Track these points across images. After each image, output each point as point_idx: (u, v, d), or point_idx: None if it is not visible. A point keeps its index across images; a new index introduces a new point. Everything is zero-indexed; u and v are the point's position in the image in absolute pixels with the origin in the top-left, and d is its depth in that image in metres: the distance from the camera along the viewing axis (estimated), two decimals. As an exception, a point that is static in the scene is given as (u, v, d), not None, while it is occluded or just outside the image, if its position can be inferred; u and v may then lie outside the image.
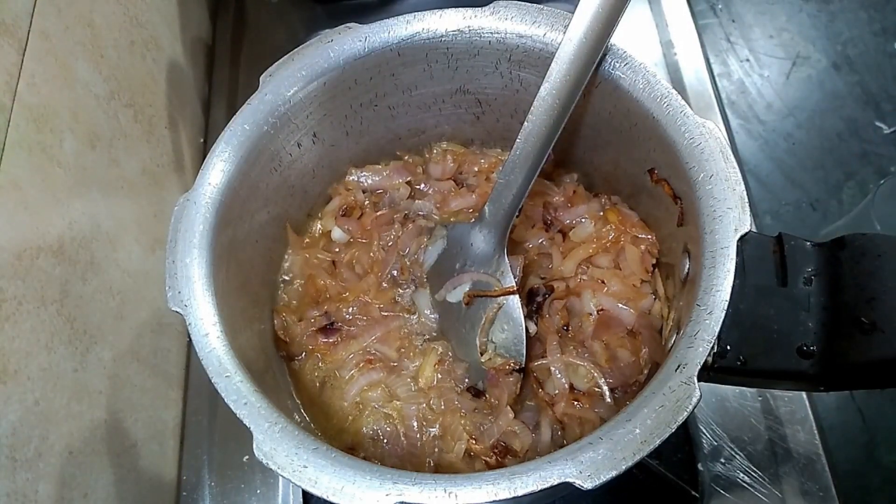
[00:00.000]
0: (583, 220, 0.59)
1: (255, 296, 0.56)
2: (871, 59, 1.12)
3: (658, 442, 0.38)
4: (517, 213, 0.54)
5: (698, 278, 0.43)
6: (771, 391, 0.70)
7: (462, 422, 0.53)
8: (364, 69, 0.55)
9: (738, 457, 0.68)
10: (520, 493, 0.37)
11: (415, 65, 0.56)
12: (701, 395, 0.39)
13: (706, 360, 0.40)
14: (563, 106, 0.48)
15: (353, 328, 0.58)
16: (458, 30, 0.53)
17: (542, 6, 0.52)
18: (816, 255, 0.43)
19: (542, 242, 0.60)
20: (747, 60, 1.13)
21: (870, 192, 0.89)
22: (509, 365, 0.54)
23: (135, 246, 0.68)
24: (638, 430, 0.38)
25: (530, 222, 0.61)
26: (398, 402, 0.55)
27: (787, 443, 0.68)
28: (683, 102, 0.47)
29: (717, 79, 0.92)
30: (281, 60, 0.54)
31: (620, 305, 0.55)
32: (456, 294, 0.57)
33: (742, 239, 0.43)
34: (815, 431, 0.68)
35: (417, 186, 0.64)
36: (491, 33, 0.53)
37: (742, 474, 0.67)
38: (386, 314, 0.59)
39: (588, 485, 0.37)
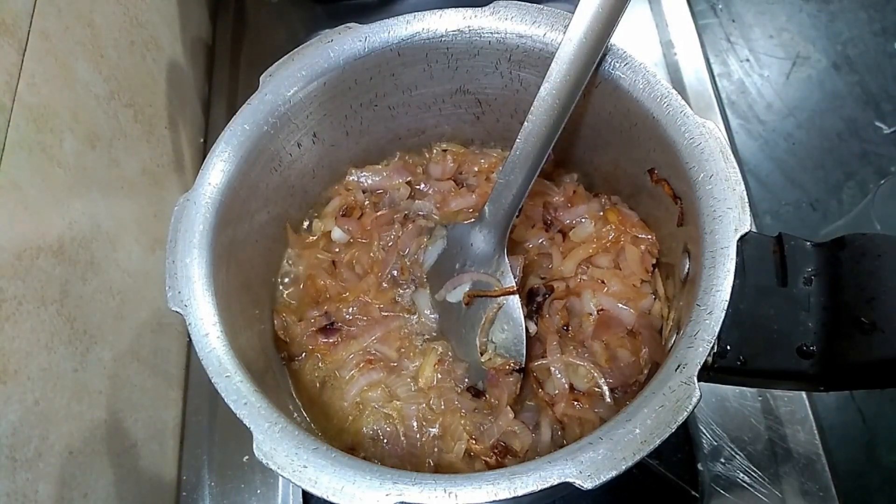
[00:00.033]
0: (583, 220, 0.59)
1: (255, 296, 0.56)
2: (871, 59, 1.12)
3: (658, 442, 0.38)
4: (517, 213, 0.54)
5: (698, 278, 0.43)
6: (771, 391, 0.70)
7: (462, 422, 0.53)
8: (364, 69, 0.55)
9: (738, 457, 0.68)
10: (520, 493, 0.37)
11: (415, 65, 0.56)
12: (701, 395, 0.39)
13: (706, 360, 0.40)
14: (563, 106, 0.48)
15: (353, 328, 0.58)
16: (458, 30, 0.53)
17: (542, 6, 0.52)
18: (816, 255, 0.43)
19: (542, 242, 0.60)
20: (747, 60, 1.13)
21: (870, 192, 0.89)
22: (509, 365, 0.54)
23: (135, 246, 0.68)
24: (638, 430, 0.38)
25: (530, 222, 0.61)
26: (398, 402, 0.55)
27: (787, 443, 0.68)
28: (683, 102, 0.47)
29: (717, 79, 0.92)
30: (281, 60, 0.54)
31: (620, 305, 0.55)
32: (456, 294, 0.57)
33: (742, 239, 0.43)
34: (815, 431, 0.68)
35: (417, 186, 0.64)
36: (491, 33, 0.53)
37: (742, 474, 0.67)
38: (386, 314, 0.59)
39: (588, 485, 0.37)
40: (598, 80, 0.51)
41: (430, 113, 0.62)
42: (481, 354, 0.55)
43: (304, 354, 0.58)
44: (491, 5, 0.53)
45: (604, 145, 0.57)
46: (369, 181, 0.64)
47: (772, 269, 0.43)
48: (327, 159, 0.61)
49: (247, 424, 0.41)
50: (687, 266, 0.49)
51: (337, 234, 0.62)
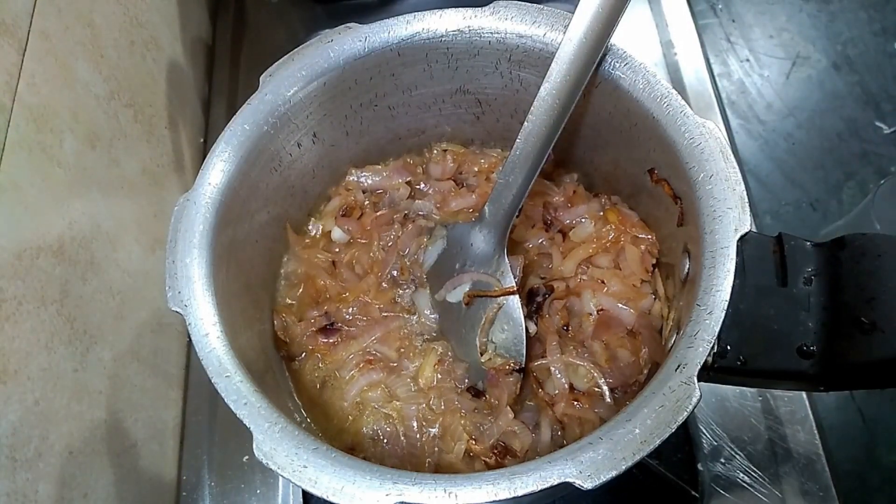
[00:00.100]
0: (583, 220, 0.59)
1: (255, 296, 0.56)
2: (871, 59, 1.12)
3: (658, 442, 0.38)
4: (517, 213, 0.54)
5: (698, 278, 0.43)
6: (771, 391, 0.70)
7: (462, 422, 0.53)
8: (364, 69, 0.55)
9: (738, 457, 0.68)
10: (520, 493, 0.37)
11: (415, 65, 0.56)
12: (701, 395, 0.39)
13: (706, 360, 0.40)
14: (563, 106, 0.48)
15: (353, 328, 0.58)
16: (458, 30, 0.53)
17: (542, 6, 0.52)
18: (816, 255, 0.43)
19: (542, 242, 0.60)
20: (747, 60, 1.13)
21: (870, 192, 0.89)
22: (509, 365, 0.54)
23: (135, 246, 0.68)
24: (638, 430, 0.38)
25: (530, 222, 0.61)
26: (398, 403, 0.55)
27: (787, 443, 0.68)
28: (683, 102, 0.47)
29: (717, 79, 0.92)
30: (281, 60, 0.54)
31: (620, 305, 0.55)
32: (456, 294, 0.57)
33: (742, 239, 0.43)
34: (815, 431, 0.68)
35: (417, 186, 0.64)
36: (491, 33, 0.53)
37: (742, 474, 0.67)
38: (386, 314, 0.59)
39: (588, 485, 0.37)
40: (598, 80, 0.51)
41: (430, 113, 0.62)
42: (481, 354, 0.55)
43: (304, 354, 0.58)
44: (491, 5, 0.53)
45: (604, 145, 0.57)
46: (369, 181, 0.64)
47: (772, 269, 0.43)
48: (327, 159, 0.61)
49: (247, 424, 0.41)
50: (687, 266, 0.49)
51: (337, 234, 0.62)
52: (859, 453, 0.88)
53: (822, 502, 0.65)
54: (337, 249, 0.62)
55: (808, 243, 0.44)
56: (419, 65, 0.56)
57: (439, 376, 0.55)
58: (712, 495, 0.66)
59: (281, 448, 0.40)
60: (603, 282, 0.56)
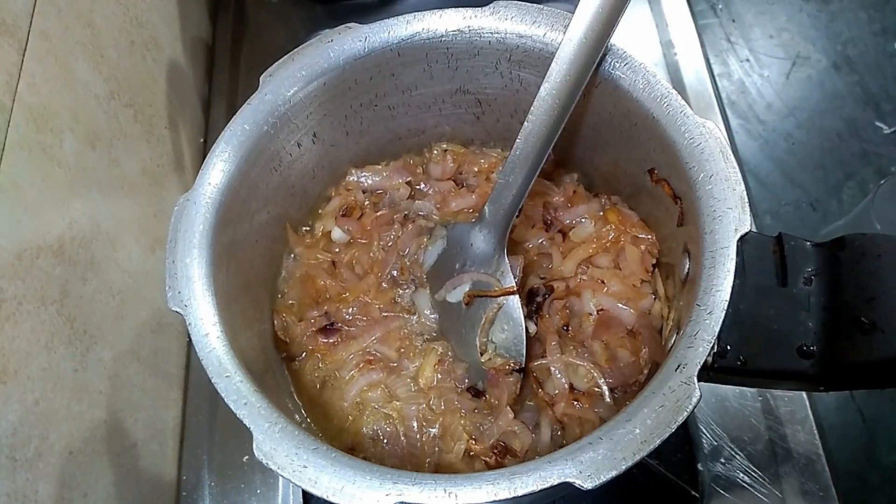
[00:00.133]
0: (583, 220, 0.59)
1: (255, 296, 0.56)
2: (871, 59, 1.12)
3: (658, 442, 0.38)
4: (517, 213, 0.54)
5: (698, 278, 0.43)
6: (771, 391, 0.70)
7: (462, 422, 0.53)
8: (364, 69, 0.55)
9: (738, 457, 0.68)
10: (520, 493, 0.37)
11: (415, 65, 0.56)
12: (701, 395, 0.39)
13: (706, 360, 0.40)
14: (563, 106, 0.48)
15: (352, 328, 0.58)
16: (458, 30, 0.53)
17: (542, 6, 0.52)
18: (816, 255, 0.43)
19: (542, 242, 0.60)
20: (747, 60, 1.13)
21: (870, 192, 0.89)
22: (509, 365, 0.54)
23: (135, 246, 0.68)
24: (638, 430, 0.38)
25: (530, 222, 0.61)
26: (398, 403, 0.55)
27: (787, 443, 0.68)
28: (683, 102, 0.47)
29: (717, 79, 0.92)
30: (281, 60, 0.54)
31: (620, 305, 0.55)
32: (456, 294, 0.57)
33: (742, 239, 0.43)
34: (815, 431, 0.68)
35: (417, 186, 0.64)
36: (491, 33, 0.53)
37: (742, 474, 0.67)
38: (386, 314, 0.59)
39: (588, 485, 0.37)
40: (598, 80, 0.51)
41: (430, 113, 0.62)
42: (481, 354, 0.55)
43: (304, 355, 0.58)
44: (491, 5, 0.53)
45: (604, 145, 0.57)
46: (369, 181, 0.64)
47: (772, 269, 0.43)
48: (327, 159, 0.61)
49: (247, 424, 0.41)
50: (687, 266, 0.49)
51: (337, 234, 0.62)
52: (859, 453, 0.88)
53: (822, 502, 0.65)
54: (337, 249, 0.62)
55: (808, 243, 0.44)
56: (419, 65, 0.56)
57: (439, 376, 0.55)
58: (712, 495, 0.66)
59: (281, 448, 0.40)
60: (603, 282, 0.56)
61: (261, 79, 0.53)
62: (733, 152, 0.46)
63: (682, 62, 0.91)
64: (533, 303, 0.56)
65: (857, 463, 0.88)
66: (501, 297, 0.55)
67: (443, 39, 0.54)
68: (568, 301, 0.57)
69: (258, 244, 0.57)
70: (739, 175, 0.44)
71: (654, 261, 0.56)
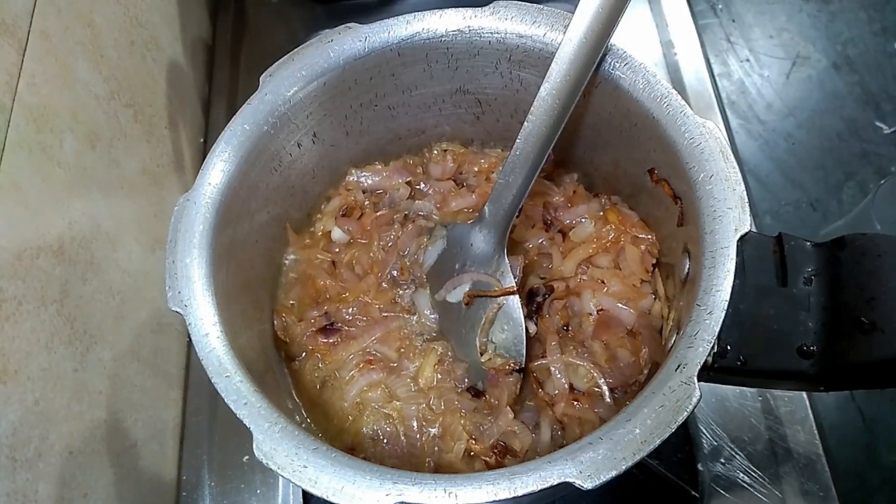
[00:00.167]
0: (583, 220, 0.59)
1: (255, 296, 0.56)
2: (871, 59, 1.12)
3: (658, 442, 0.38)
4: (517, 213, 0.54)
5: (698, 278, 0.43)
6: (771, 391, 0.70)
7: (462, 422, 0.53)
8: (364, 69, 0.55)
9: (738, 457, 0.68)
10: (520, 493, 0.37)
11: (415, 65, 0.56)
12: (701, 395, 0.39)
13: (706, 360, 0.40)
14: (563, 106, 0.48)
15: (352, 328, 0.58)
16: (458, 30, 0.53)
17: (542, 6, 0.52)
18: (816, 255, 0.43)
19: (542, 242, 0.60)
20: (747, 60, 1.13)
21: (870, 192, 0.88)
22: (509, 365, 0.54)
23: (135, 246, 0.68)
24: (638, 430, 0.38)
25: (530, 222, 0.61)
26: (398, 403, 0.55)
27: (787, 443, 0.68)
28: (683, 102, 0.47)
29: (717, 79, 0.92)
30: (281, 60, 0.54)
31: (620, 305, 0.55)
32: (456, 294, 0.57)
33: (742, 239, 0.43)
34: (815, 431, 0.68)
35: (417, 186, 0.64)
36: (491, 33, 0.53)
37: (742, 474, 0.67)
38: (386, 314, 0.59)
39: (588, 485, 0.37)
40: (598, 80, 0.51)
41: (430, 113, 0.62)
42: (481, 354, 0.55)
43: (304, 355, 0.58)
44: (491, 5, 0.53)
45: (604, 145, 0.57)
46: (369, 181, 0.64)
47: (772, 269, 0.44)
48: (327, 159, 0.61)
49: (247, 424, 0.41)
50: (687, 266, 0.49)
51: (337, 234, 0.62)
52: (859, 453, 0.88)
53: (822, 502, 0.65)
54: (337, 249, 0.62)
55: (808, 243, 0.44)
56: (419, 65, 0.56)
57: (439, 376, 0.55)
58: (712, 495, 0.66)
59: (281, 448, 0.40)
60: (603, 282, 0.56)
61: (261, 79, 0.53)
62: (733, 152, 0.46)
63: (682, 62, 0.91)
64: (533, 303, 0.56)
65: (857, 463, 0.88)
66: (501, 297, 0.55)
67: (443, 39, 0.54)
68: (568, 301, 0.57)
69: (258, 244, 0.57)
70: (739, 175, 0.44)
71: (654, 261, 0.56)
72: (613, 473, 0.37)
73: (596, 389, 0.53)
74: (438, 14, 0.53)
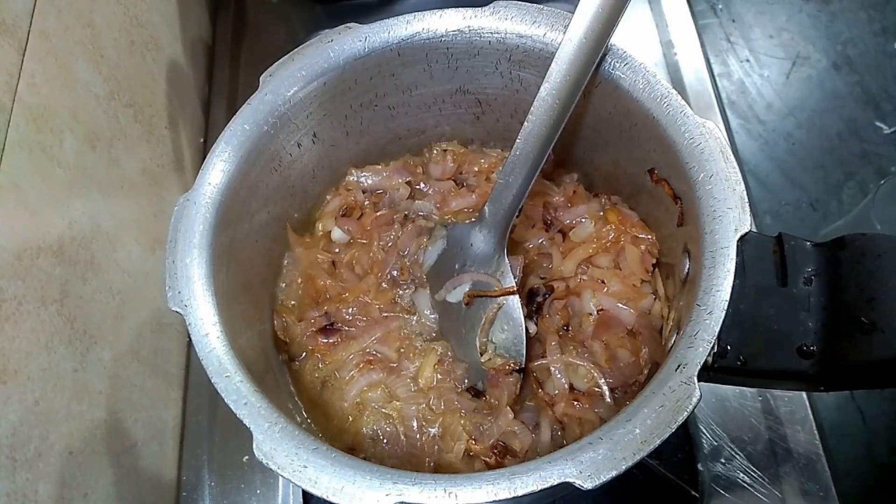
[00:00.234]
0: (583, 220, 0.59)
1: (255, 296, 0.56)
2: (871, 59, 1.12)
3: (658, 442, 0.38)
4: (517, 213, 0.54)
5: (698, 278, 0.43)
6: (771, 391, 0.70)
7: (462, 422, 0.53)
8: (364, 69, 0.55)
9: (738, 457, 0.68)
10: (520, 493, 0.37)
11: (415, 65, 0.56)
12: (701, 395, 0.39)
13: (706, 360, 0.40)
14: (563, 106, 0.48)
15: (352, 329, 0.58)
16: (458, 30, 0.53)
17: (542, 6, 0.52)
18: (816, 255, 0.43)
19: (542, 242, 0.60)
20: (747, 60, 1.13)
21: (870, 192, 0.88)
22: (509, 365, 0.54)
23: (135, 246, 0.68)
24: (638, 430, 0.38)
25: (530, 222, 0.61)
26: (398, 403, 0.55)
27: (787, 443, 0.68)
28: (683, 102, 0.47)
29: (717, 79, 0.92)
30: (281, 60, 0.54)
31: (620, 305, 0.55)
32: (456, 294, 0.57)
33: (742, 239, 0.43)
34: (815, 431, 0.68)
35: (417, 186, 0.64)
36: (491, 33, 0.53)
37: (742, 474, 0.67)
38: (386, 315, 0.59)
39: (588, 485, 0.37)
40: (598, 80, 0.51)
41: (430, 113, 0.62)
42: (481, 354, 0.55)
43: (304, 355, 0.58)
44: (491, 5, 0.53)
45: (604, 145, 0.57)
46: (369, 181, 0.64)
47: (772, 269, 0.44)
48: (327, 159, 0.61)
49: (247, 424, 0.41)
50: (687, 266, 0.49)
51: (337, 234, 0.62)
52: (859, 453, 0.88)
53: (822, 502, 0.65)
54: (337, 249, 0.62)
55: (808, 243, 0.44)
56: (419, 65, 0.56)
57: (439, 376, 0.55)
58: (712, 495, 0.66)
59: (281, 448, 0.40)
60: (603, 282, 0.56)
61: (261, 79, 0.53)
62: (733, 152, 0.46)
63: (682, 62, 0.91)
64: (533, 303, 0.56)
65: (857, 463, 0.88)
66: (501, 297, 0.55)
67: (443, 39, 0.54)
68: (568, 301, 0.57)
69: (258, 244, 0.57)
70: (739, 175, 0.44)
71: (654, 261, 0.56)
72: (613, 473, 0.37)
73: (596, 389, 0.53)
74: (438, 14, 0.53)
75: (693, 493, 0.66)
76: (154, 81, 0.79)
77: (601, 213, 0.60)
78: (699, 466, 0.67)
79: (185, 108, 0.86)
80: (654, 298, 0.55)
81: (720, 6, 1.18)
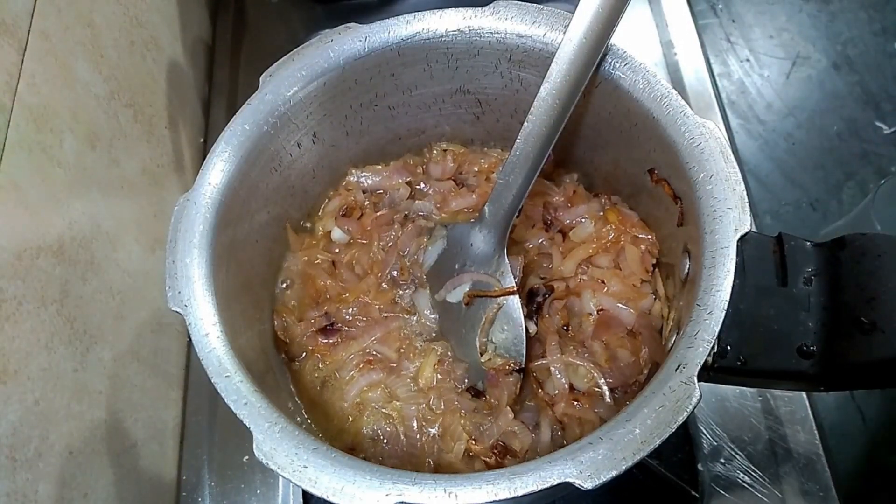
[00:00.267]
0: (583, 220, 0.59)
1: (255, 296, 0.56)
2: (871, 59, 1.12)
3: (658, 442, 0.38)
4: (517, 213, 0.54)
5: (698, 278, 0.43)
6: (771, 391, 0.70)
7: (462, 422, 0.53)
8: (364, 69, 0.55)
9: (738, 457, 0.68)
10: (520, 493, 0.37)
11: (415, 65, 0.56)
12: (701, 395, 0.39)
13: (706, 360, 0.40)
14: (563, 106, 0.48)
15: (352, 329, 0.58)
16: (458, 30, 0.53)
17: (542, 6, 0.52)
18: (816, 255, 0.43)
19: (542, 242, 0.60)
20: (747, 60, 1.13)
21: (870, 192, 0.88)
22: (509, 365, 0.54)
23: (135, 246, 0.68)
24: (638, 430, 0.38)
25: (530, 222, 0.61)
26: (398, 403, 0.55)
27: (787, 443, 0.68)
28: (683, 102, 0.47)
29: (717, 79, 0.92)
30: (281, 60, 0.54)
31: (620, 305, 0.55)
32: (456, 294, 0.57)
33: (742, 239, 0.43)
34: (815, 431, 0.68)
35: (417, 186, 0.64)
36: (491, 33, 0.53)
37: (742, 474, 0.67)
38: (386, 315, 0.59)
39: (588, 485, 0.37)
40: (598, 80, 0.51)
41: (430, 113, 0.62)
42: (481, 355, 0.55)
43: (304, 355, 0.58)
44: (491, 5, 0.53)
45: (604, 145, 0.57)
46: (369, 181, 0.64)
47: (772, 269, 0.44)
48: (327, 159, 0.61)
49: (247, 424, 0.41)
50: (687, 266, 0.49)
51: (337, 234, 0.62)
52: (859, 453, 0.88)
53: (822, 502, 0.65)
54: (337, 250, 0.62)
55: (808, 243, 0.44)
56: (419, 65, 0.56)
57: (439, 376, 0.55)
58: (712, 495, 0.66)
59: (281, 448, 0.40)
60: (603, 282, 0.56)
61: (261, 79, 0.53)
62: (733, 152, 0.46)
63: (682, 62, 0.91)
64: (533, 303, 0.56)
65: (857, 463, 0.88)
66: (501, 298, 0.55)
67: (443, 39, 0.54)
68: (568, 301, 0.57)
69: (258, 244, 0.57)
70: (739, 175, 0.44)
71: (654, 261, 0.56)
72: (613, 473, 0.37)
73: (596, 389, 0.53)
74: (438, 14, 0.53)
75: (693, 493, 0.66)
76: (154, 81, 0.79)
77: (601, 213, 0.60)
78: (699, 466, 0.67)
79: (185, 108, 0.86)
80: (654, 298, 0.55)
81: (720, 6, 1.18)
